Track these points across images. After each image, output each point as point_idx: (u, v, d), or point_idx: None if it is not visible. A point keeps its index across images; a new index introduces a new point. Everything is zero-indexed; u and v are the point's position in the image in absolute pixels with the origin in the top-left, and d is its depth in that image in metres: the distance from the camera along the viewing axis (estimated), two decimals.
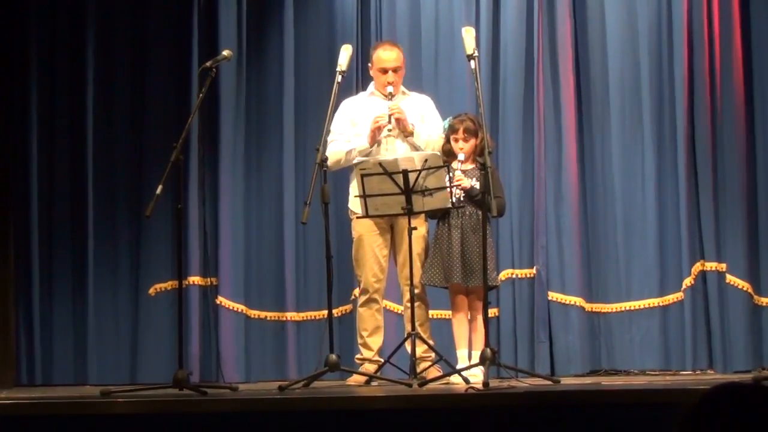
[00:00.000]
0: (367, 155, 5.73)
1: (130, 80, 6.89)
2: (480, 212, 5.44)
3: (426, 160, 5.32)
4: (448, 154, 5.64)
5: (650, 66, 6.69)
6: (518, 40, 6.74)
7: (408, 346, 5.39)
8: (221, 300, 6.70)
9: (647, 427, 3.96)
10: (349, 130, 5.91)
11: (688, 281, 6.52)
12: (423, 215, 5.69)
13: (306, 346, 6.67)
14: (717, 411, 1.88)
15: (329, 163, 5.85)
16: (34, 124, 6.77)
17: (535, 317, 6.55)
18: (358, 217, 5.78)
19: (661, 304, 6.56)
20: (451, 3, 6.84)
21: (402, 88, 5.99)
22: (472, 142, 5.64)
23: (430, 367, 5.56)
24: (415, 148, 5.78)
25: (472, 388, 4.63)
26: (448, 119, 5.76)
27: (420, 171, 5.28)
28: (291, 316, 6.74)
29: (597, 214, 6.70)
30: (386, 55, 5.90)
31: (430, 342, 5.71)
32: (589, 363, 6.55)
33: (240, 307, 6.72)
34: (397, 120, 5.75)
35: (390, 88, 5.81)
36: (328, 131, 5.74)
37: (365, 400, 4.60)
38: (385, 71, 5.88)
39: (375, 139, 5.79)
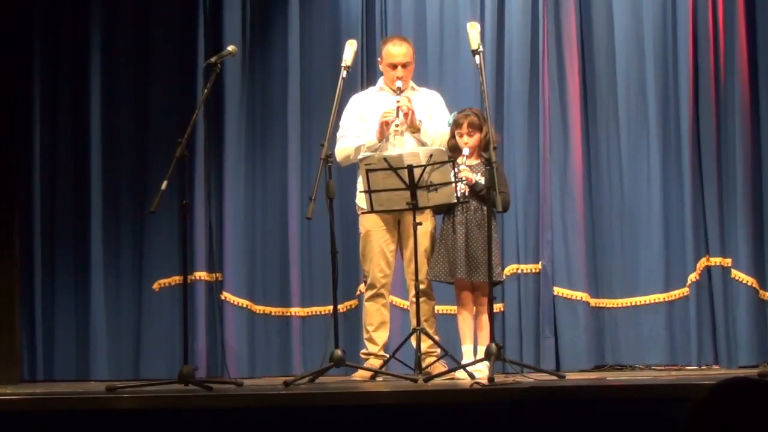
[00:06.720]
0: (375, 151, 5.73)
1: (135, 76, 6.89)
2: (485, 207, 5.44)
3: (431, 156, 5.32)
4: (453, 149, 5.64)
5: (656, 61, 6.68)
6: (523, 34, 6.74)
7: (413, 341, 5.39)
8: (226, 295, 6.71)
9: (652, 423, 3.96)
10: (359, 126, 5.91)
11: (693, 276, 6.52)
12: (430, 211, 5.69)
13: (311, 342, 6.67)
14: (725, 406, 1.88)
15: (339, 158, 5.88)
16: (37, 120, 6.77)
17: (540, 312, 6.55)
18: (364, 213, 5.79)
19: (666, 299, 6.56)
20: None
21: (411, 83, 5.98)
22: (477, 136, 5.63)
23: (435, 362, 5.57)
24: (423, 143, 5.78)
25: (477, 383, 4.63)
26: (452, 114, 5.76)
27: (425, 166, 5.28)
28: (296, 311, 6.74)
29: (602, 209, 6.70)
30: (395, 50, 5.90)
31: (436, 337, 5.72)
32: (595, 358, 6.55)
33: (245, 303, 6.73)
34: (405, 115, 5.74)
35: (399, 83, 5.81)
36: (335, 127, 5.74)
37: (370, 396, 4.60)
38: (394, 66, 5.87)
39: (383, 135, 5.79)
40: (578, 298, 6.57)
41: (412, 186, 5.29)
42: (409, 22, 6.83)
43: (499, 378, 4.94)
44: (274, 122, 6.89)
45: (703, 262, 6.53)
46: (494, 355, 5.02)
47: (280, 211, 6.82)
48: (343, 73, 5.71)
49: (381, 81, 6.04)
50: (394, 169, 5.29)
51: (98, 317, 6.69)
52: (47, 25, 6.88)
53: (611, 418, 4.10)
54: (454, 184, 5.39)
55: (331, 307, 5.59)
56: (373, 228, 5.84)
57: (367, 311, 5.89)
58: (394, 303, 6.26)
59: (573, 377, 5.64)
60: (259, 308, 6.77)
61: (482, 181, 5.50)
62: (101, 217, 6.76)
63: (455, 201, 5.45)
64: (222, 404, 4.36)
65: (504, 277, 6.18)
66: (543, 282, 6.56)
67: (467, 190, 5.54)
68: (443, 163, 5.32)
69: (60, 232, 6.80)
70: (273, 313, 6.78)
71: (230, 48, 5.74)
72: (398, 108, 5.73)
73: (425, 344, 5.54)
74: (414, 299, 5.43)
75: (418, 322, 5.36)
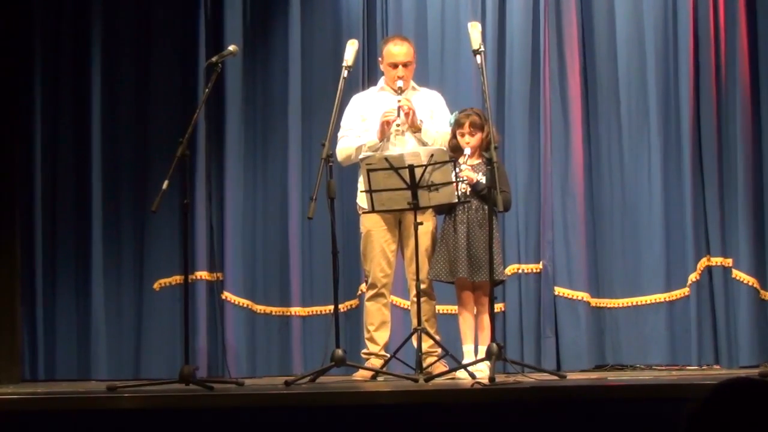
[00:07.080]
0: (376, 150, 5.74)
1: (136, 75, 6.89)
2: (486, 207, 5.44)
3: (432, 155, 5.32)
4: (455, 149, 5.64)
5: (656, 61, 6.68)
6: (524, 34, 6.73)
7: (414, 341, 5.39)
8: (227, 295, 6.70)
9: (653, 422, 3.96)
10: (360, 126, 5.91)
11: (693, 276, 6.51)
12: (431, 211, 5.69)
13: (311, 342, 6.67)
14: (726, 406, 1.88)
15: (340, 158, 5.88)
16: (38, 120, 6.77)
17: (541, 312, 6.54)
18: (364, 212, 5.79)
19: (667, 299, 6.56)
20: None
21: (412, 83, 5.98)
22: (478, 136, 5.63)
23: (436, 362, 5.57)
24: (424, 143, 5.78)
25: (478, 383, 4.63)
26: (454, 114, 5.76)
27: (426, 166, 5.28)
28: (297, 311, 6.74)
29: (603, 209, 6.70)
30: (396, 50, 5.90)
31: (437, 337, 5.72)
32: (595, 358, 6.54)
33: (246, 302, 6.73)
34: (406, 114, 5.74)
35: (400, 83, 5.81)
36: (336, 126, 5.74)
37: (371, 396, 4.60)
38: (395, 66, 5.87)
39: (384, 134, 5.79)
40: (579, 298, 6.57)
41: (413, 186, 5.29)
42: (410, 21, 6.83)
43: (500, 378, 4.94)
44: (275, 122, 6.89)
45: (703, 262, 6.53)
46: (495, 355, 5.02)
47: (281, 211, 6.82)
48: (344, 73, 5.71)
49: (382, 81, 6.05)
50: (395, 169, 5.29)
51: (99, 317, 6.69)
52: (47, 25, 6.88)
53: (612, 418, 4.10)
54: (455, 184, 5.39)
55: (331, 307, 5.60)
56: (374, 228, 5.84)
57: (367, 311, 5.89)
58: (394, 303, 6.26)
59: (574, 377, 5.64)
60: (259, 308, 6.77)
61: (483, 180, 5.50)
62: (102, 217, 6.76)
63: (456, 201, 5.45)
64: (223, 404, 4.36)
65: (505, 277, 6.18)
66: (544, 282, 6.56)
67: (468, 189, 5.54)
68: (444, 162, 5.32)
69: (61, 231, 6.80)
70: (274, 313, 6.78)
71: (231, 48, 5.75)
72: (399, 108, 5.73)
73: (426, 344, 5.55)
74: (415, 299, 5.43)
75: (419, 322, 5.36)
